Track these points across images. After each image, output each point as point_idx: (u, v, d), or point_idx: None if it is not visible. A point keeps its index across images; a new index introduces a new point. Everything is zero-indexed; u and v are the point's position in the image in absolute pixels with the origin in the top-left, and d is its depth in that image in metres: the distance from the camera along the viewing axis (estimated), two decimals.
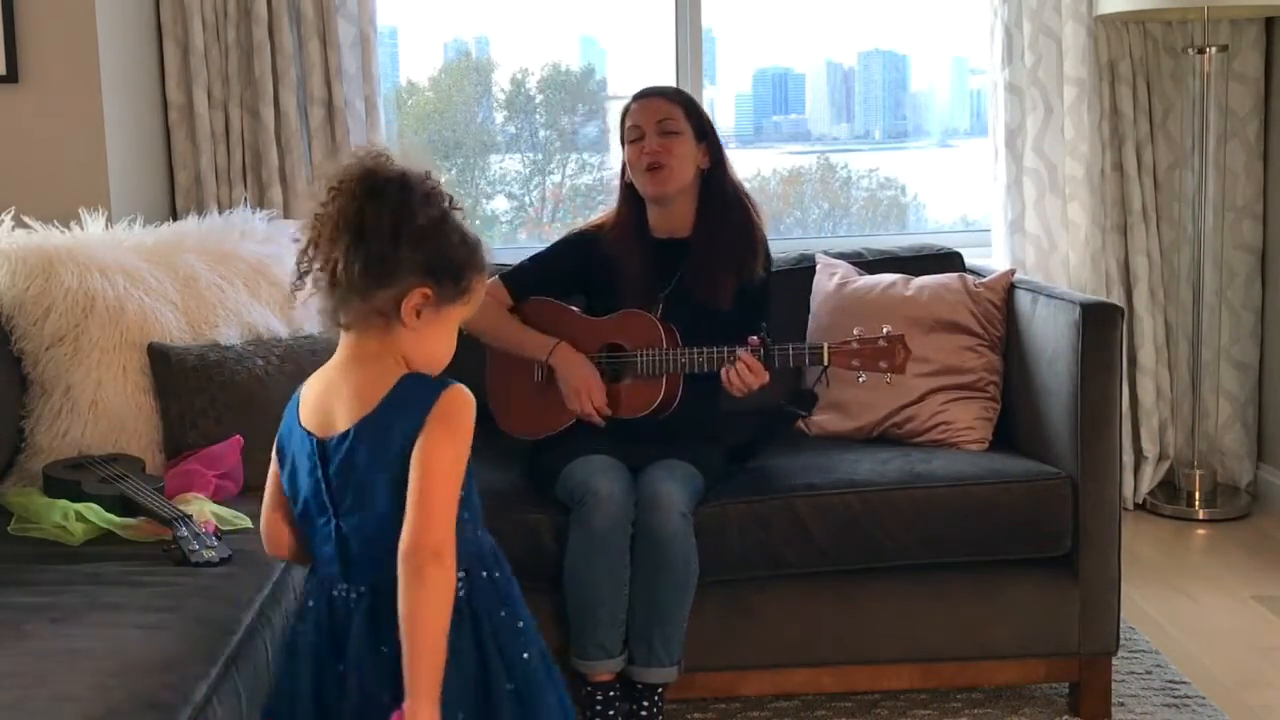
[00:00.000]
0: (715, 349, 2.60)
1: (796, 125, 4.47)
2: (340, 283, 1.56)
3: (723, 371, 2.59)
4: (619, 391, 2.71)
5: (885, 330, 2.55)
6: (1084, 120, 3.72)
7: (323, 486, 1.61)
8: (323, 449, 1.60)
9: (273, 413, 2.78)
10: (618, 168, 2.89)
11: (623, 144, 2.82)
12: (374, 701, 1.59)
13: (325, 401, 1.62)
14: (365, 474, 1.58)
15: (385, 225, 1.54)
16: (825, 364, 2.57)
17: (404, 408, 1.56)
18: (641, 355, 2.68)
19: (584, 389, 2.68)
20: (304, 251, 1.60)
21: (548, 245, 2.97)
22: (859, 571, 2.65)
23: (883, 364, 2.53)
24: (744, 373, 2.56)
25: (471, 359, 2.82)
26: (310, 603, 1.67)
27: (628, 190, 2.84)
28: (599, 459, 2.59)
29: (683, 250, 2.79)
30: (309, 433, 1.62)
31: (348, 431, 1.58)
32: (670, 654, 2.51)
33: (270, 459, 1.71)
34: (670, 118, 2.75)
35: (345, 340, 1.62)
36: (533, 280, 2.86)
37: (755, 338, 2.57)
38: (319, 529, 1.64)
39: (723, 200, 2.80)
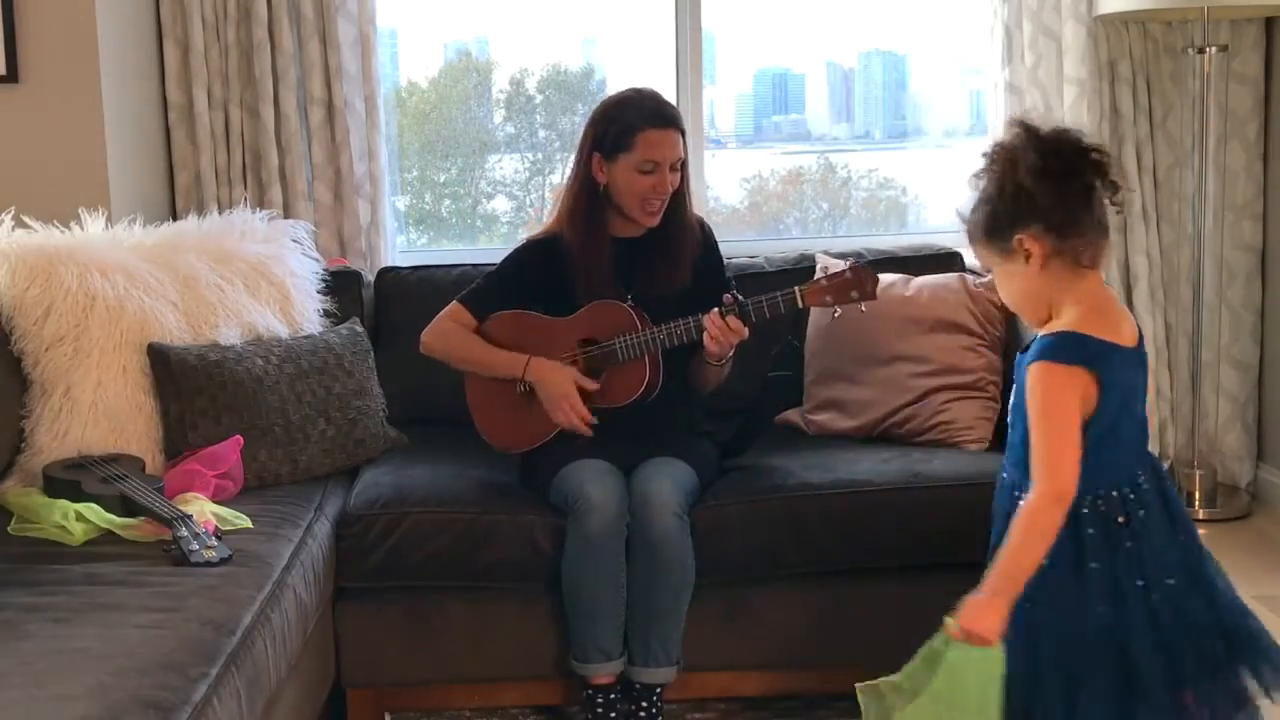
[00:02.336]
0: (690, 318, 2.60)
1: (796, 125, 4.47)
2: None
3: (705, 337, 2.58)
4: (605, 382, 2.70)
5: (849, 262, 2.59)
6: (1084, 120, 3.72)
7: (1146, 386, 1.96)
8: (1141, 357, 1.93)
9: (273, 413, 2.79)
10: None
11: (603, 151, 2.69)
12: None
13: (1110, 324, 1.88)
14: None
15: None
16: (801, 306, 2.57)
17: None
18: (620, 341, 2.66)
19: (565, 401, 2.66)
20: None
21: (502, 261, 2.87)
22: (859, 571, 2.65)
23: (854, 294, 2.55)
24: (724, 331, 2.54)
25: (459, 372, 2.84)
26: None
27: (590, 193, 2.72)
28: (591, 463, 2.59)
29: (636, 248, 2.76)
30: (1131, 349, 1.90)
31: (1140, 343, 1.93)
32: (669, 654, 2.52)
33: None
34: (681, 152, 2.70)
35: (1084, 277, 1.88)
36: (495, 297, 2.80)
37: (728, 295, 2.58)
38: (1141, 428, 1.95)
39: (677, 197, 2.76)
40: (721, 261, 2.90)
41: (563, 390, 2.67)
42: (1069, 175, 1.84)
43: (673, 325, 2.62)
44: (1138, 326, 1.94)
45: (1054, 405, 1.83)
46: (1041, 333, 1.91)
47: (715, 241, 2.89)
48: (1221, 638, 1.89)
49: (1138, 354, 1.92)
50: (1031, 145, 1.85)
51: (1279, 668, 1.88)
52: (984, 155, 1.92)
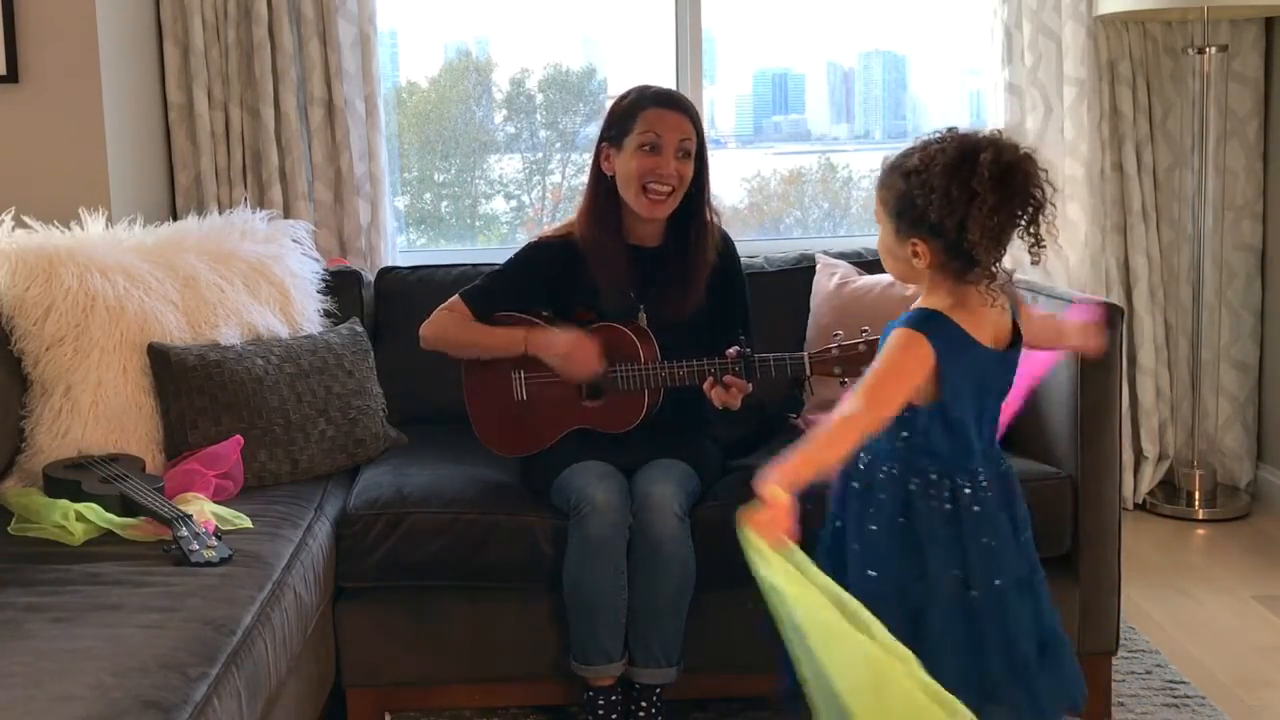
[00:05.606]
0: (695, 362, 2.54)
1: (796, 125, 4.47)
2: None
3: (705, 385, 2.54)
4: (601, 408, 2.68)
5: (864, 332, 2.47)
6: (1084, 120, 3.72)
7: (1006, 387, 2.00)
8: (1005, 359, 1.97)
9: (273, 413, 2.79)
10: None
11: (610, 139, 2.67)
12: None
13: (975, 321, 1.92)
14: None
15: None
16: (807, 374, 2.50)
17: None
18: (621, 370, 2.63)
19: (580, 361, 2.61)
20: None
21: (508, 259, 2.82)
22: None
23: (864, 368, 2.49)
24: (723, 390, 2.51)
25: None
26: (969, 488, 1.94)
27: (609, 185, 2.70)
28: (593, 465, 2.58)
29: (653, 259, 2.73)
30: (991, 349, 1.94)
31: (1011, 347, 1.97)
32: (669, 654, 2.51)
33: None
34: (690, 139, 2.63)
35: (961, 289, 1.90)
36: (498, 295, 2.74)
37: (734, 350, 2.52)
38: (988, 424, 1.98)
39: (697, 214, 2.71)
40: (743, 281, 2.83)
41: (576, 353, 2.61)
42: (1003, 214, 1.83)
43: (675, 366, 2.56)
44: (1013, 331, 1.96)
45: (897, 364, 1.89)
46: (916, 305, 1.95)
47: (738, 259, 2.83)
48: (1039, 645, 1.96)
49: (1002, 355, 1.95)
50: (990, 171, 1.80)
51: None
52: (938, 141, 1.87)
